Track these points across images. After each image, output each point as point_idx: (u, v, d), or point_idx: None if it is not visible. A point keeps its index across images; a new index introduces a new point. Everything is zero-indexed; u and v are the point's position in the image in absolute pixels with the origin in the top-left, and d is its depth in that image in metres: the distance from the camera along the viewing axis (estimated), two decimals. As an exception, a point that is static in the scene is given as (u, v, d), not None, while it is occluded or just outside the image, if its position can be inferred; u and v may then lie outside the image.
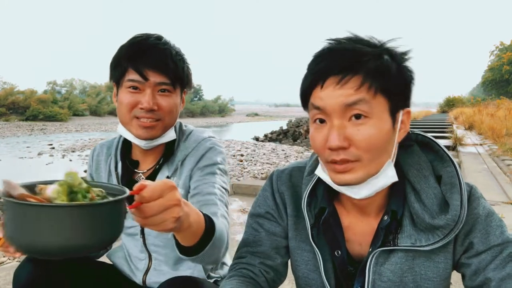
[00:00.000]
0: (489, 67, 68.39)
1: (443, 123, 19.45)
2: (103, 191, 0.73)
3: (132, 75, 1.23)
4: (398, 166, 0.92)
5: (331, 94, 0.83)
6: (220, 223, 1.02)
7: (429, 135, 0.98)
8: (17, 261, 4.65)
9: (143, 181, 0.73)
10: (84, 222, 0.63)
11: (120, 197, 0.69)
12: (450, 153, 0.95)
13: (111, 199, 0.69)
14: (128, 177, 1.37)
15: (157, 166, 1.35)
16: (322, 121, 0.86)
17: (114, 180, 1.37)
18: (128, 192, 0.72)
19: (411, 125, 0.93)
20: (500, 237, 0.89)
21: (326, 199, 0.98)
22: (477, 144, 10.23)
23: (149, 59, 1.22)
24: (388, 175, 0.88)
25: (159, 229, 0.76)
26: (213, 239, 0.94)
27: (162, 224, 0.74)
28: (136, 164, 1.38)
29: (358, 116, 0.82)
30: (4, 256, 4.52)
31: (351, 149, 0.83)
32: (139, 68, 1.22)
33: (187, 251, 0.94)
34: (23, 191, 0.65)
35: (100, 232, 0.66)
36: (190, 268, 1.36)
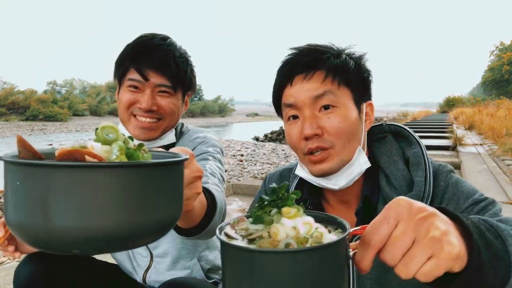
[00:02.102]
0: (489, 67, 68.40)
1: (443, 123, 19.43)
2: (146, 149, 0.53)
3: (133, 75, 1.23)
4: (372, 157, 1.00)
5: (300, 90, 0.93)
6: (217, 193, 0.96)
7: (422, 140, 1.02)
8: (17, 261, 4.65)
9: (158, 148, 0.62)
10: (166, 185, 0.47)
11: (185, 156, 0.53)
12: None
13: (184, 155, 0.54)
14: None
15: None
16: (295, 117, 0.95)
17: None
18: (186, 155, 0.55)
19: (410, 125, 0.97)
20: (471, 197, 0.89)
21: (309, 194, 1.04)
22: (477, 144, 10.22)
23: (151, 59, 1.22)
24: (361, 162, 0.95)
25: (187, 206, 0.65)
26: (214, 217, 0.89)
27: (185, 202, 0.63)
28: None
29: (326, 107, 0.92)
30: (4, 256, 4.52)
31: (324, 136, 0.91)
32: (141, 68, 1.22)
33: (188, 232, 0.86)
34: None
35: (177, 199, 0.51)
36: (189, 268, 1.36)
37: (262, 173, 10.04)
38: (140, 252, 1.40)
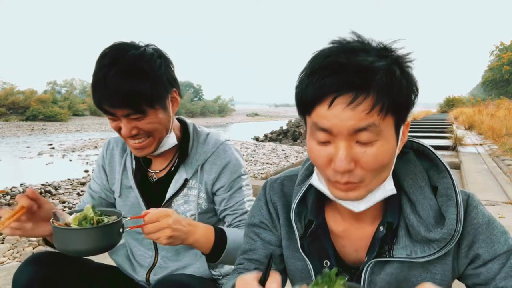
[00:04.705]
0: (489, 67, 68.46)
1: (443, 123, 19.46)
2: (105, 219, 1.12)
3: (104, 108, 1.20)
4: (393, 175, 0.89)
5: (340, 116, 0.75)
6: (238, 233, 1.29)
7: (421, 140, 0.96)
8: (17, 261, 4.66)
9: (148, 210, 1.11)
10: (90, 237, 1.07)
11: (106, 223, 1.09)
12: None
13: (102, 224, 1.09)
14: (142, 173, 1.41)
15: (172, 168, 1.37)
16: (325, 142, 0.81)
17: (129, 175, 1.41)
18: (121, 218, 1.13)
19: (410, 125, 0.91)
20: (506, 244, 0.87)
21: (315, 211, 0.96)
22: (477, 144, 10.22)
23: (110, 97, 1.16)
24: (387, 189, 0.86)
25: (158, 242, 1.13)
26: (225, 249, 1.23)
27: (158, 239, 1.11)
28: (149, 161, 1.42)
29: (364, 143, 0.78)
30: (4, 256, 4.53)
31: (357, 170, 0.79)
32: (105, 109, 1.19)
33: (209, 258, 1.25)
34: (66, 217, 1.09)
35: (100, 242, 1.08)
36: (193, 261, 1.38)
37: (262, 173, 10.04)
38: (144, 253, 1.42)
